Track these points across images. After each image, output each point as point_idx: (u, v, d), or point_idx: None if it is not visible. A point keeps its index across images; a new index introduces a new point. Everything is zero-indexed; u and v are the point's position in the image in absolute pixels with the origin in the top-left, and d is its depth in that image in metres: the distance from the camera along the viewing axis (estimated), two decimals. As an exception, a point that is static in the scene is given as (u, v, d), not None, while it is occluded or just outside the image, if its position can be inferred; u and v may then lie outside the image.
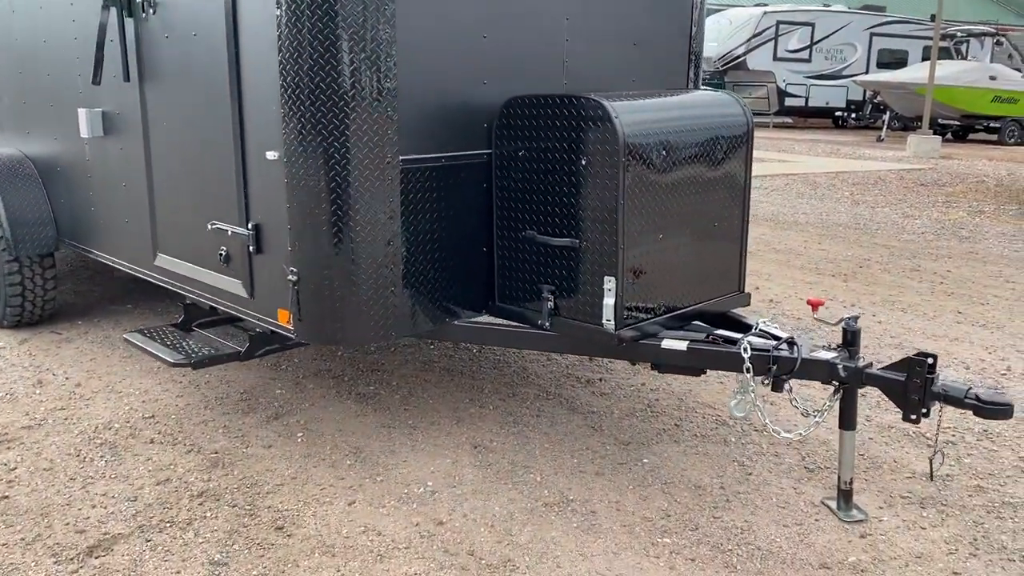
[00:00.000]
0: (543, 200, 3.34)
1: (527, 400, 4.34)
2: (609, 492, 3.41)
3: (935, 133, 20.21)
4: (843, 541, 3.10)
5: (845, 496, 3.26)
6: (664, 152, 3.25)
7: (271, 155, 3.25)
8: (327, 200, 3.13)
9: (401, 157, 3.21)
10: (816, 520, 3.23)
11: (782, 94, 27.13)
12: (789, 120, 29.06)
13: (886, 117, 24.72)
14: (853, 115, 28.04)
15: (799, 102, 27.53)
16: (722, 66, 27.37)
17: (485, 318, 3.70)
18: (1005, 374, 4.85)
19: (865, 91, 26.42)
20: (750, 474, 3.59)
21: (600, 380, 4.63)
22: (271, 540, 3.02)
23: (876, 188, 13.05)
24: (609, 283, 3.18)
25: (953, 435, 3.97)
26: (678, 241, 3.41)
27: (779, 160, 16.88)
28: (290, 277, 3.26)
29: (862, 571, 2.91)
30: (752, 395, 3.17)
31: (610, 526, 3.16)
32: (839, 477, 3.27)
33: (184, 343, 3.82)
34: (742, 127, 3.59)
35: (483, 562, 2.91)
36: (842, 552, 3.02)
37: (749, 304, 3.84)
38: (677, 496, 3.39)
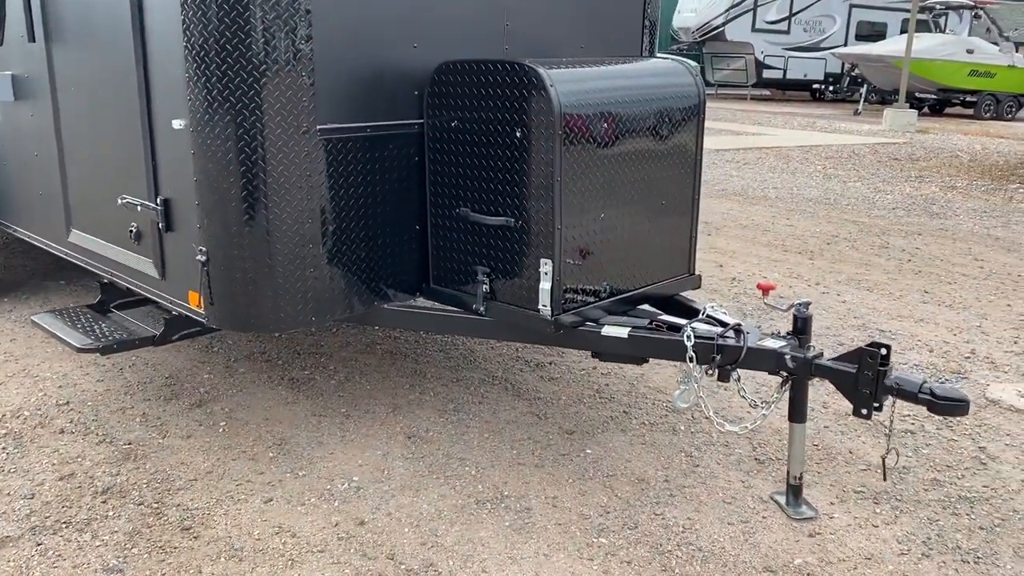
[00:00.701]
0: (477, 175, 3.10)
1: (471, 385, 4.12)
2: (547, 486, 3.21)
3: (912, 107, 20.08)
4: (790, 541, 2.92)
5: (794, 492, 3.08)
6: (606, 124, 3.01)
7: (177, 124, 2.97)
8: (237, 173, 2.87)
9: (319, 126, 2.95)
10: (763, 518, 3.05)
11: (760, 66, 26.88)
12: (767, 92, 28.85)
13: (863, 90, 24.55)
14: (831, 88, 27.87)
15: (777, 74, 27.30)
16: (700, 37, 27.04)
17: (420, 301, 3.47)
18: (969, 357, 4.69)
19: (843, 64, 26.23)
20: (697, 466, 3.40)
21: (550, 364, 4.42)
22: (175, 543, 2.79)
23: (850, 162, 12.89)
24: (545, 266, 2.95)
25: (912, 423, 3.81)
26: (622, 220, 3.18)
27: (754, 133, 16.67)
28: (199, 257, 3.00)
29: (807, 575, 2.74)
30: (696, 385, 2.97)
31: (544, 524, 2.96)
32: (788, 472, 3.08)
33: (96, 326, 3.56)
34: (693, 98, 3.35)
35: (403, 567, 2.70)
36: (788, 553, 2.84)
37: (699, 287, 3.63)
38: (618, 490, 3.20)
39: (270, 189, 2.88)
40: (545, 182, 2.89)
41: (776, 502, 3.14)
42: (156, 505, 3.00)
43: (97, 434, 3.51)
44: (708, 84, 28.70)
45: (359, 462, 3.35)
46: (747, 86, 27.22)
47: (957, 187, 10.81)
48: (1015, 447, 3.62)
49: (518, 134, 2.93)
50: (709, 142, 14.93)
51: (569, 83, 2.89)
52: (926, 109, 24.00)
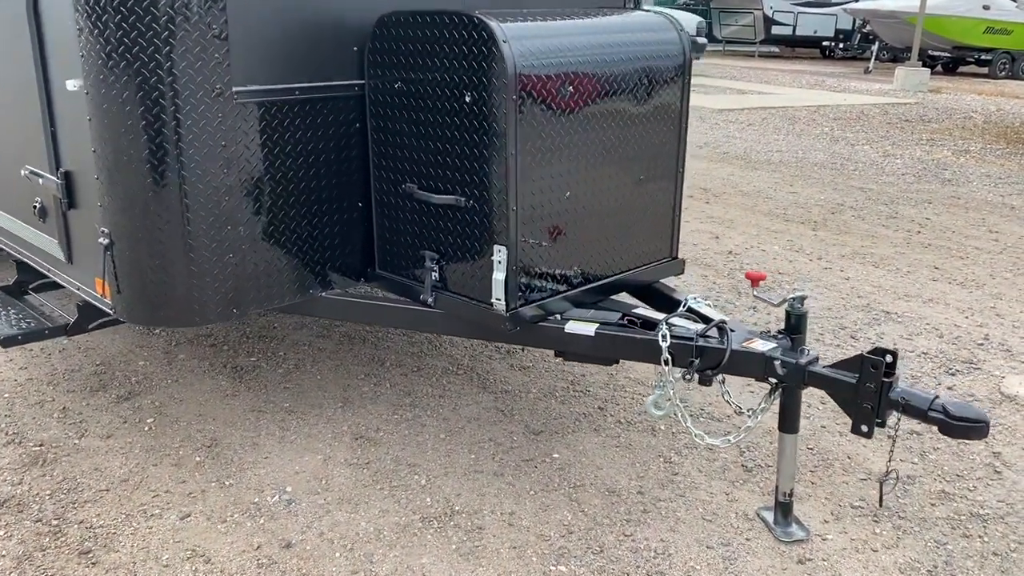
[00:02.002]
0: (423, 146, 2.68)
1: (432, 375, 3.74)
2: (504, 499, 2.85)
3: (924, 65, 19.39)
4: (776, 569, 2.55)
5: (784, 510, 2.71)
6: (572, 88, 2.58)
7: (72, 85, 2.55)
8: (137, 143, 2.45)
9: (236, 88, 2.53)
10: (747, 540, 2.68)
11: (769, 22, 26.02)
12: (775, 50, 28.05)
13: (875, 48, 23.77)
14: (841, 45, 27.03)
15: (786, 31, 26.45)
16: (707, -9, 26.20)
17: (367, 289, 3.08)
18: (982, 344, 4.29)
19: (854, 20, 25.37)
20: (676, 474, 3.03)
21: (522, 350, 4.03)
22: (69, 570, 2.43)
23: (858, 124, 12.35)
24: (499, 253, 2.54)
25: (918, 423, 3.41)
26: (593, 199, 2.77)
27: (760, 92, 16.07)
28: (101, 240, 2.60)
29: (795, 613, 2.38)
30: (672, 391, 2.58)
31: (497, 547, 2.60)
32: (777, 487, 2.71)
33: (5, 312, 3.17)
34: (677, 56, 2.91)
35: (327, 602, 2.35)
36: (773, 585, 2.48)
37: (683, 272, 3.23)
38: (585, 504, 2.83)
39: (176, 162, 2.47)
40: (498, 156, 2.47)
41: (763, 519, 2.77)
42: (56, 522, 2.64)
43: (7, 433, 3.15)
44: (715, 40, 27.90)
45: (296, 468, 2.98)
46: (755, 43, 26.42)
47: (970, 151, 10.30)
48: (1033, 453, 3.25)
49: (468, 98, 2.50)
50: (713, 101, 14.38)
51: (527, 39, 2.46)
52: (939, 67, 23.24)
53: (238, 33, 2.50)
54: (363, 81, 2.81)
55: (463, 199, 2.59)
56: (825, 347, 4.17)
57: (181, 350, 3.89)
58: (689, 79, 2.97)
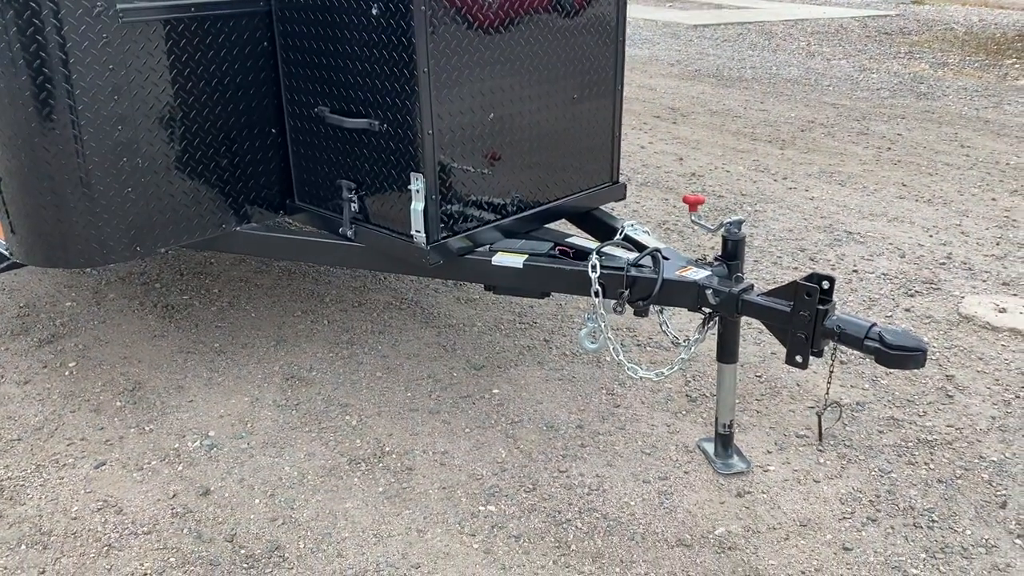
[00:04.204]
0: (333, 65, 2.47)
1: (374, 310, 3.60)
2: (438, 438, 2.74)
3: (908, -25, 18.80)
4: (714, 503, 2.47)
5: (723, 441, 2.62)
6: (490, -3, 2.37)
7: (-61, 4, 2.32)
8: (14, 69, 2.24)
9: (120, 5, 2.30)
10: (685, 473, 2.60)
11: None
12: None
13: (858, -42, 23.05)
14: (825, -44, 26.24)
15: (768, -59, 25.63)
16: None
17: (288, 222, 2.91)
18: (944, 263, 4.18)
19: (838, -71, 24.56)
20: (618, 406, 2.94)
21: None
22: (-29, 526, 2.32)
23: (836, 37, 12.01)
24: (417, 182, 2.37)
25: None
26: (521, 120, 2.58)
27: (737, 7, 15.60)
28: (-13, 176, 2.41)
29: (729, 548, 2.30)
30: (603, 324, 2.45)
31: (425, 489, 2.51)
32: (716, 419, 2.61)
33: (-92, 255, 2.98)
34: (611, -38, 2.69)
35: (241, 552, 2.25)
36: (709, 520, 2.40)
37: (624, 197, 3.07)
38: (522, 441, 2.73)
39: (59, 89, 2.26)
40: (409, 74, 2.27)
41: (703, 451, 2.68)
42: (-38, 476, 2.52)
43: (-81, 382, 3.01)
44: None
45: (221, 411, 2.86)
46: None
47: (949, 64, 10.04)
48: (987, 375, 3.16)
49: (375, 11, 2.29)
50: (688, 17, 13.95)
51: (436, -57, 2.23)
52: (924, -22, 22.61)
53: (118, -58, 2.26)
54: (269, -5, 2.58)
55: (376, 123, 2.40)
56: (783, 270, 4.05)
57: (111, 289, 3.73)
58: (625, -13, 2.75)
